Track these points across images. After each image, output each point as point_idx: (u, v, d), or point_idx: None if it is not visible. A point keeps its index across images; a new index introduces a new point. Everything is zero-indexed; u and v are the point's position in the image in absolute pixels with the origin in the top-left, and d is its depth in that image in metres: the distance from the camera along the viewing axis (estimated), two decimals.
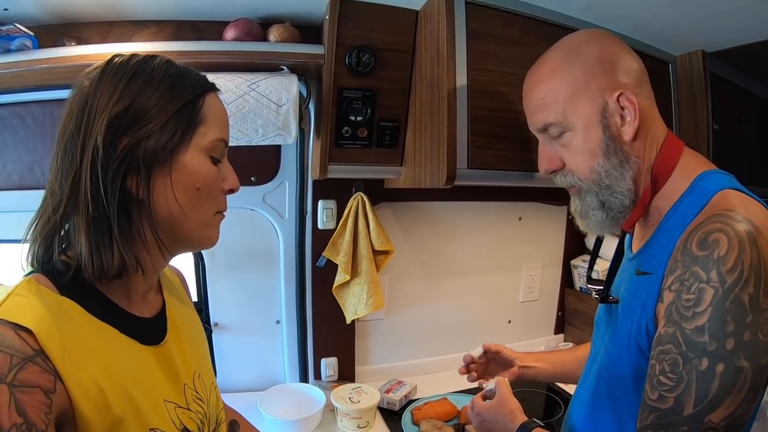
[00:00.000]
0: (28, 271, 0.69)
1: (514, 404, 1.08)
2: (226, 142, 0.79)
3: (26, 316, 0.59)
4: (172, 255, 0.80)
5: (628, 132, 0.88)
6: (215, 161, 0.76)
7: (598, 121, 0.89)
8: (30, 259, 0.69)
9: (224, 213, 0.81)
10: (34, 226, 0.69)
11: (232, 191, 0.81)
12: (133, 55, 0.73)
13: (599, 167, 0.90)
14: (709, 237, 0.73)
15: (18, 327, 0.57)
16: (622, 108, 0.88)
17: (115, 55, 0.72)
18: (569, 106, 0.91)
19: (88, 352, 0.64)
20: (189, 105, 0.72)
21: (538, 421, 1.02)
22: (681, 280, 0.75)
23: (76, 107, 0.68)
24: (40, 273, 0.67)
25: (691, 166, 0.87)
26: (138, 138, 0.67)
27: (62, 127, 0.69)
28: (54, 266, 0.68)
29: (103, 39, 1.39)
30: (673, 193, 0.86)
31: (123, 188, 0.67)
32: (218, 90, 0.80)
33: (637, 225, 0.95)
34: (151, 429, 0.69)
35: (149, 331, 0.78)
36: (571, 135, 0.92)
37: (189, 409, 0.79)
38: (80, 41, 1.33)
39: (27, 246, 0.69)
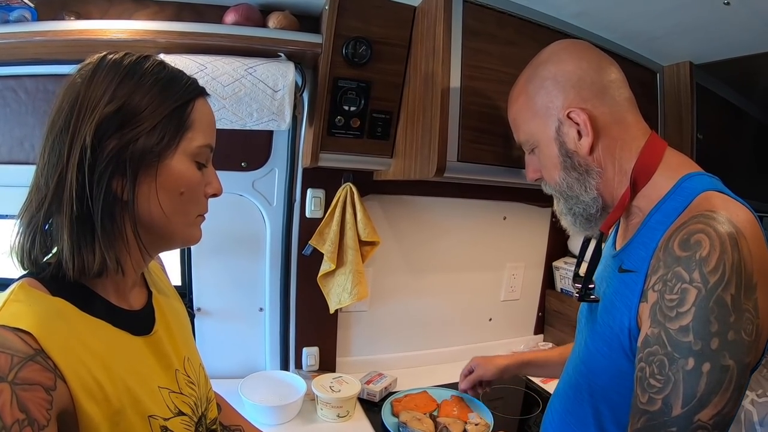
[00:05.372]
0: (20, 275, 0.69)
1: None
2: (212, 148, 0.80)
3: (25, 320, 0.60)
4: (152, 256, 0.81)
5: (584, 145, 0.92)
6: (200, 166, 0.77)
7: (554, 139, 0.96)
8: (19, 255, 0.70)
9: (205, 216, 0.82)
10: (19, 220, 0.70)
11: (214, 196, 0.82)
12: (127, 54, 0.73)
13: (561, 180, 0.97)
14: (691, 238, 0.74)
15: (18, 330, 0.58)
16: (577, 123, 0.92)
17: (109, 52, 0.73)
18: (531, 127, 1.00)
19: (86, 349, 0.65)
20: (179, 110, 0.73)
21: None
22: (664, 280, 0.76)
23: (67, 104, 0.68)
24: (30, 276, 0.68)
25: (675, 167, 0.89)
26: (127, 140, 0.68)
27: (51, 122, 0.69)
28: (39, 265, 0.69)
29: (103, 15, 1.39)
30: (655, 193, 0.88)
31: (108, 189, 0.68)
32: (208, 95, 0.81)
33: (621, 222, 0.98)
34: (150, 416, 0.71)
35: (139, 322, 0.79)
36: (539, 151, 1.01)
37: (182, 393, 0.81)
38: (80, 16, 1.33)
39: (14, 240, 0.70)
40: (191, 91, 0.76)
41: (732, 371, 0.70)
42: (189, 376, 0.85)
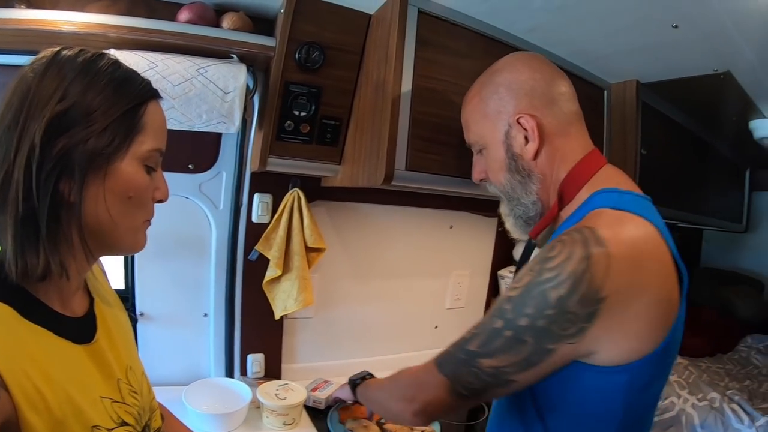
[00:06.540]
0: None
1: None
2: (162, 152, 0.78)
3: None
4: (96, 260, 0.80)
5: (529, 150, 0.98)
6: (149, 170, 0.76)
7: (502, 142, 1.01)
8: None
9: (150, 221, 0.81)
10: None
11: (161, 201, 0.80)
12: (82, 51, 0.71)
13: (506, 181, 1.03)
14: (553, 243, 0.82)
15: None
16: (525, 129, 0.97)
17: (63, 48, 0.71)
18: (481, 129, 1.06)
19: (27, 358, 0.62)
20: (130, 112, 0.72)
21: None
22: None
23: (17, 99, 0.66)
24: None
25: (600, 183, 0.94)
26: (76, 140, 0.66)
27: None
28: None
29: (54, 6, 1.33)
30: (575, 206, 0.94)
31: (55, 190, 0.65)
32: (161, 97, 0.79)
33: (545, 233, 1.03)
34: (93, 426, 0.68)
35: (81, 329, 0.76)
36: (486, 152, 1.06)
37: (125, 403, 0.78)
38: (30, 5, 1.28)
39: None
40: (145, 93, 0.75)
41: (528, 347, 0.80)
42: (131, 386, 0.82)
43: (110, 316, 0.86)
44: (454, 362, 0.88)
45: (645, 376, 0.83)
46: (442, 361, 0.91)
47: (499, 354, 0.82)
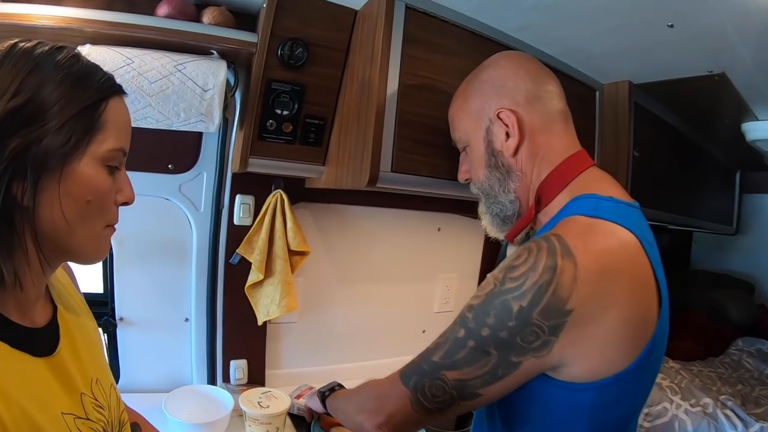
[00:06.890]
0: None
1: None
2: (125, 152, 0.74)
3: None
4: (53, 269, 0.75)
5: (510, 146, 0.97)
6: (112, 170, 0.71)
7: (483, 137, 1.01)
8: None
9: (115, 226, 0.76)
10: None
11: (125, 204, 0.76)
12: (40, 43, 0.67)
13: (485, 178, 1.03)
14: (521, 250, 0.80)
15: None
16: (507, 125, 0.96)
17: (21, 40, 0.67)
18: (465, 126, 1.07)
19: None
20: (90, 108, 0.67)
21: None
22: None
23: None
24: None
25: (581, 187, 0.91)
26: (30, 139, 0.62)
27: None
28: None
29: None
30: (552, 210, 0.93)
31: (8, 193, 0.61)
32: (125, 93, 0.75)
33: (523, 236, 1.03)
34: None
35: (41, 341, 0.71)
36: (470, 149, 1.07)
37: (89, 419, 0.73)
38: None
39: None
40: (106, 88, 0.70)
41: (492, 358, 0.78)
42: (97, 400, 0.78)
43: (75, 325, 0.81)
44: (418, 374, 0.86)
45: (613, 395, 0.80)
46: (406, 373, 0.90)
47: (464, 366, 0.80)
